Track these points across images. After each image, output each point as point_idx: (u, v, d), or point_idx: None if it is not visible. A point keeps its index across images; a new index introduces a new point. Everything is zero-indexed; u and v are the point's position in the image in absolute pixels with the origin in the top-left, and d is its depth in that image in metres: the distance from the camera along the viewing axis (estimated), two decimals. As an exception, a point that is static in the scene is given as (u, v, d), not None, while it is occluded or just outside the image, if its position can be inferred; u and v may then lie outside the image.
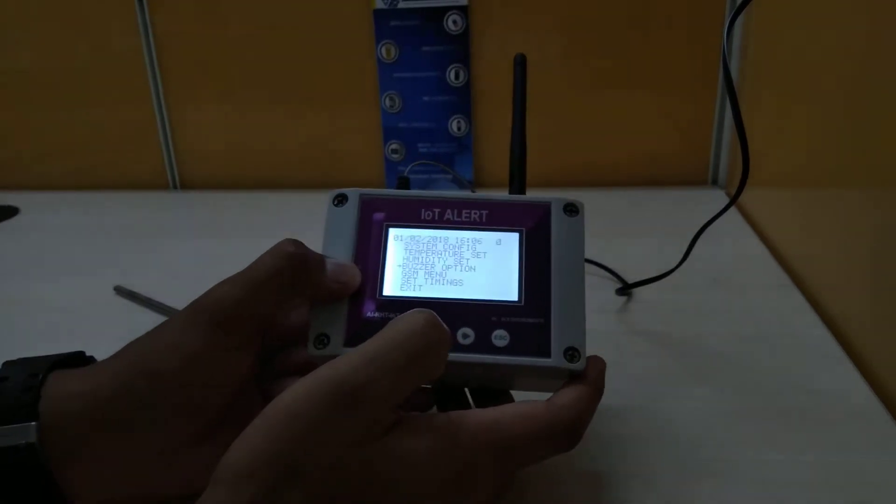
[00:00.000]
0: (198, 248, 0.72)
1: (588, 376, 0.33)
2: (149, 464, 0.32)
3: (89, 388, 0.32)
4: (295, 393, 0.28)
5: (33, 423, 0.30)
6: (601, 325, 0.53)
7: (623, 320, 0.55)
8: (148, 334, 0.33)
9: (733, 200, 0.45)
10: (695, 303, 0.56)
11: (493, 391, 0.37)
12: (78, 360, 0.35)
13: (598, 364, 0.34)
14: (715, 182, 0.85)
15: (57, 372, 0.33)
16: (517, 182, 0.40)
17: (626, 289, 0.58)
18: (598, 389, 0.33)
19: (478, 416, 0.30)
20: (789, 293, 0.57)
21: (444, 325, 0.31)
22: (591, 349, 0.34)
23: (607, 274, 0.61)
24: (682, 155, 0.85)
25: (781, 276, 0.60)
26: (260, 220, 0.80)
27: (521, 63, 0.42)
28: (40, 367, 0.32)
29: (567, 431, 0.31)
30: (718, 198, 0.81)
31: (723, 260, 0.62)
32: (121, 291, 0.61)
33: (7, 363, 0.33)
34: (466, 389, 0.38)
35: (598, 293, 0.58)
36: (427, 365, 0.30)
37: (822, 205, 0.58)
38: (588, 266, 0.62)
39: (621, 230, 0.73)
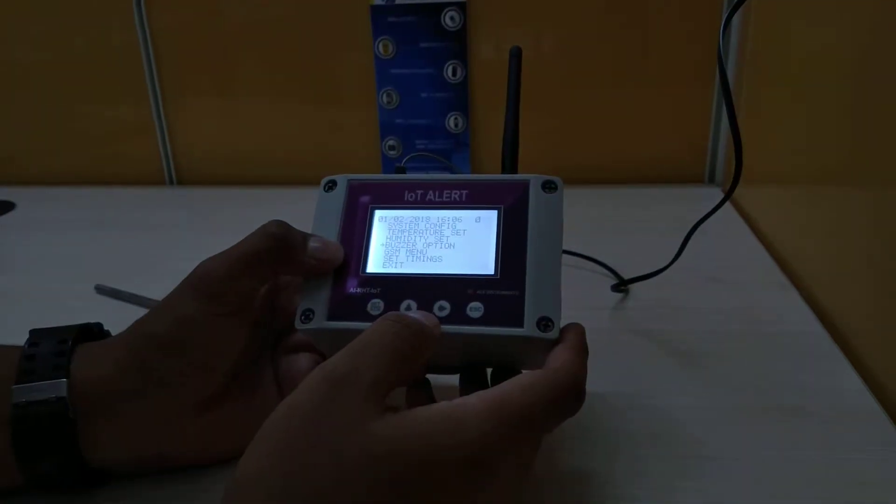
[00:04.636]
0: (194, 243, 0.71)
1: (569, 339, 0.34)
2: (160, 426, 0.35)
3: (105, 354, 0.35)
4: (293, 393, 0.29)
5: (64, 379, 0.34)
6: (597, 322, 0.52)
7: (618, 317, 0.54)
8: (152, 307, 0.37)
9: (727, 197, 0.45)
10: (691, 300, 0.56)
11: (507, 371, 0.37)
12: (98, 328, 0.39)
13: (576, 328, 0.35)
14: (712, 180, 0.85)
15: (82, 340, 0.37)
16: (508, 171, 0.41)
17: (621, 285, 0.58)
18: (583, 349, 0.34)
19: (481, 396, 0.30)
20: (785, 290, 0.57)
21: (420, 320, 0.33)
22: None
23: (603, 270, 0.61)
24: (680, 152, 0.85)
25: (778, 274, 0.60)
26: (256, 216, 0.79)
27: (516, 56, 0.42)
28: (69, 333, 0.36)
29: (571, 391, 0.32)
30: (715, 195, 0.80)
31: (720, 257, 0.62)
32: (102, 290, 0.61)
33: (35, 331, 0.37)
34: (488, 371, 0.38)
35: (593, 289, 0.58)
36: (406, 353, 0.31)
37: (819, 203, 0.58)
38: (584, 262, 0.63)
39: (618, 227, 0.73)
